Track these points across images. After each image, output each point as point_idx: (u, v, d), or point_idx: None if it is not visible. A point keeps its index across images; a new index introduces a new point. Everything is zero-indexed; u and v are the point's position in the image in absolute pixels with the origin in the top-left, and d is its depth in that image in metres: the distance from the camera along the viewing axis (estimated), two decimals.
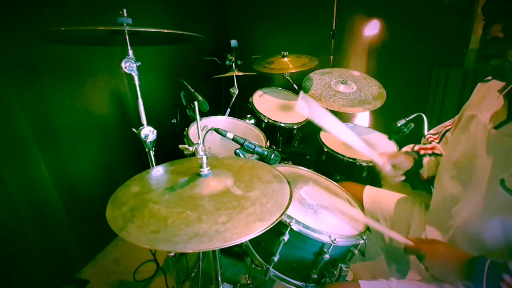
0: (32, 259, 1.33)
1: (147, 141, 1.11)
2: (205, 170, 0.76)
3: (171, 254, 1.16)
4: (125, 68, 1.01)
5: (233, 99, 1.98)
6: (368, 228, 0.92)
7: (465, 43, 1.98)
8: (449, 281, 0.74)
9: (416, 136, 1.26)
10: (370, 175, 1.51)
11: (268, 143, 1.53)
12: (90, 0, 1.43)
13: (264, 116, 1.71)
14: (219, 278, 0.99)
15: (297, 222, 0.81)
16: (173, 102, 1.78)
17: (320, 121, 0.78)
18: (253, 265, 1.26)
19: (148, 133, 1.11)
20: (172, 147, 1.32)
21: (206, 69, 2.41)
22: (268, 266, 0.87)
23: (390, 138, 1.57)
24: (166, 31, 0.99)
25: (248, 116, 1.79)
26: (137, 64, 1.03)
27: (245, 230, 0.57)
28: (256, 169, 0.84)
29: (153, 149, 1.15)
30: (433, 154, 0.99)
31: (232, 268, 1.56)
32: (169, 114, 1.70)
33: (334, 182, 1.14)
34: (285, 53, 1.93)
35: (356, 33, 2.28)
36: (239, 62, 2.00)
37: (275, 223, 0.60)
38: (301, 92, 0.85)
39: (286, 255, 0.86)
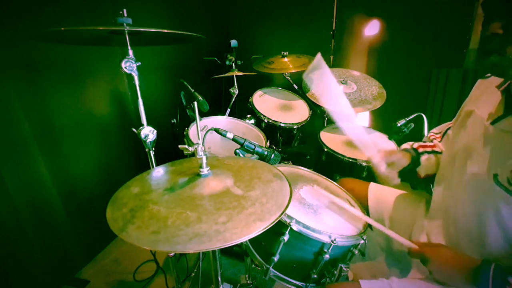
0: (32, 259, 1.33)
1: (147, 141, 1.11)
2: (205, 170, 0.76)
3: (171, 254, 1.16)
4: (125, 68, 1.01)
5: (233, 99, 1.98)
6: (369, 226, 0.92)
7: (465, 43, 1.98)
8: (453, 285, 0.74)
9: (416, 136, 1.26)
10: (370, 175, 1.51)
11: (268, 143, 1.53)
12: (90, 0, 1.43)
13: (264, 116, 1.71)
14: (219, 278, 0.99)
15: (297, 222, 0.81)
16: (173, 102, 1.78)
17: (334, 105, 0.79)
18: (253, 265, 1.26)
19: (148, 133, 1.11)
20: (172, 147, 1.32)
21: (206, 69, 2.41)
22: (268, 266, 0.87)
23: (390, 138, 1.57)
24: (166, 31, 0.99)
25: (248, 116, 1.79)
26: (137, 64, 1.04)
27: (245, 230, 0.57)
28: (256, 169, 0.84)
29: (153, 149, 1.16)
30: (433, 152, 0.98)
31: (232, 268, 1.56)
32: (169, 114, 1.70)
33: (334, 182, 1.14)
34: (285, 53, 1.93)
35: (356, 33, 2.28)
36: (239, 62, 2.00)
37: (275, 223, 0.60)
38: (318, 55, 0.85)
39: (286, 255, 0.86)
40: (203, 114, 1.47)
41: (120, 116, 1.74)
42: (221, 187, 0.73)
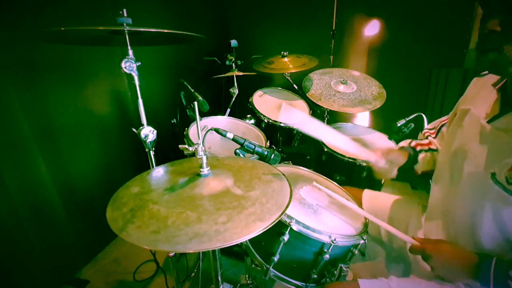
0: (32, 259, 1.33)
1: (147, 141, 1.11)
2: (205, 170, 0.76)
3: (171, 254, 1.16)
4: (125, 68, 1.01)
5: (233, 99, 1.98)
6: (367, 225, 0.92)
7: (465, 43, 1.99)
8: (455, 280, 0.74)
9: (416, 136, 1.26)
10: (370, 175, 1.50)
11: (268, 143, 1.53)
12: (90, 0, 1.43)
13: (264, 116, 1.70)
14: (219, 278, 0.99)
15: (297, 222, 0.81)
16: (173, 102, 1.78)
17: (306, 129, 0.80)
18: (253, 265, 1.26)
19: (148, 133, 1.11)
20: (172, 147, 1.32)
21: (206, 69, 2.41)
22: (268, 266, 0.87)
23: (390, 138, 1.57)
24: (166, 31, 0.99)
25: (248, 116, 1.79)
26: (137, 64, 1.03)
27: (245, 230, 0.57)
28: (256, 169, 0.84)
29: (153, 149, 1.16)
30: (429, 150, 0.99)
31: (232, 268, 1.56)
32: (169, 114, 1.70)
33: (334, 182, 1.14)
34: (285, 53, 1.93)
35: (356, 33, 2.28)
36: (239, 62, 2.00)
37: (275, 223, 0.60)
38: (283, 104, 0.89)
39: (286, 255, 0.86)
40: (203, 114, 1.47)
41: (120, 116, 1.74)
42: (221, 187, 0.73)
